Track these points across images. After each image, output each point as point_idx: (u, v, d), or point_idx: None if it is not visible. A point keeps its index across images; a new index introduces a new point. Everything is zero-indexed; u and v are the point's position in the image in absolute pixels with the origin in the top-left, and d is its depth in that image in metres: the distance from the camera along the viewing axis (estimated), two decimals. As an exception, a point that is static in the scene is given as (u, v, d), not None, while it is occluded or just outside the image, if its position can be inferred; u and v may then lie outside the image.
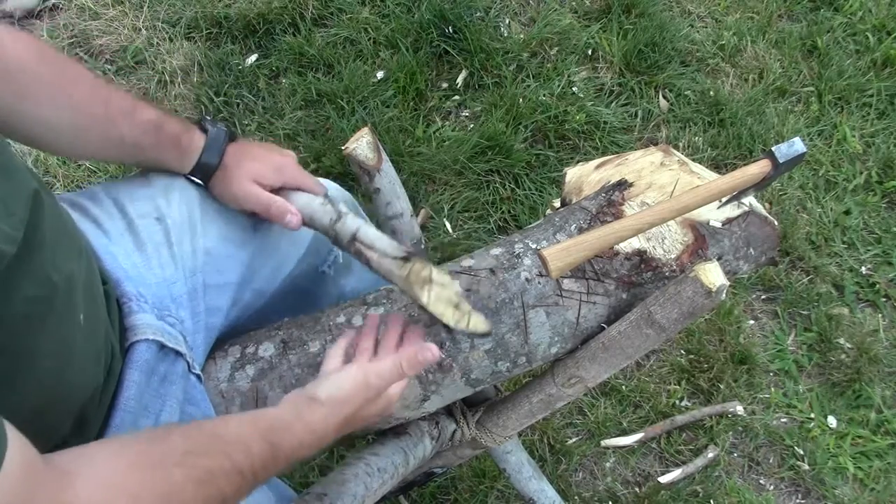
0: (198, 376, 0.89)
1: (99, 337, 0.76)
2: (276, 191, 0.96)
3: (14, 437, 0.53)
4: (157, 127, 0.90)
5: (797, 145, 0.84)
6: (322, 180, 1.04)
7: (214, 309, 0.94)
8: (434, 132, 2.00)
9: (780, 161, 0.84)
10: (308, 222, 0.97)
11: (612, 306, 0.97)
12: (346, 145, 0.99)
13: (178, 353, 0.86)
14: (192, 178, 0.97)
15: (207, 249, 0.94)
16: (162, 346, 0.84)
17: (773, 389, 1.77)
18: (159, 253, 0.91)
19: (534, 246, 0.99)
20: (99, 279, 0.80)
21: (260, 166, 0.95)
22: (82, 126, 0.86)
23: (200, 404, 0.88)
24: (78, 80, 0.85)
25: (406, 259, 0.90)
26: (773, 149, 0.84)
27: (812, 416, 1.74)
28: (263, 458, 0.70)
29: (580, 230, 0.99)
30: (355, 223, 0.95)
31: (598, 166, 1.11)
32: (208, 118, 0.96)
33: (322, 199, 0.97)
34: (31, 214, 0.64)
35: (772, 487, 1.68)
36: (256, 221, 1.00)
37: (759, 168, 0.85)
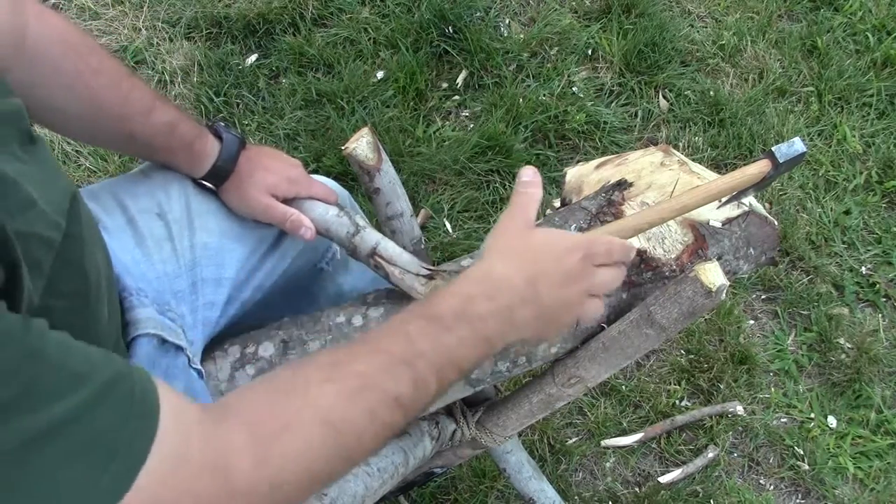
0: (198, 371, 0.89)
1: (117, 329, 0.77)
2: (289, 201, 0.97)
3: (165, 390, 0.54)
4: (170, 130, 0.90)
5: (797, 145, 0.84)
6: (318, 177, 1.05)
7: (211, 303, 0.94)
8: (434, 132, 2.00)
9: (780, 161, 0.83)
10: (323, 233, 0.98)
11: (612, 306, 0.97)
12: (346, 145, 0.99)
13: (178, 348, 0.86)
14: (203, 183, 0.98)
15: (206, 244, 0.94)
16: (163, 341, 0.84)
17: (773, 389, 1.77)
18: (161, 248, 0.91)
19: (534, 246, 0.98)
20: (113, 271, 0.81)
21: (274, 178, 0.96)
22: (96, 119, 0.86)
23: (202, 400, 0.88)
24: (99, 73, 0.84)
25: (429, 277, 0.92)
26: (772, 149, 0.84)
27: (812, 416, 1.74)
28: (422, 331, 0.65)
29: (580, 230, 0.99)
30: (374, 237, 0.96)
31: (598, 166, 1.11)
32: (222, 124, 0.97)
33: (337, 209, 0.99)
34: (70, 206, 0.65)
35: (772, 487, 1.68)
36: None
37: (758, 168, 0.85)
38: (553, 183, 1.95)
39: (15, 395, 0.45)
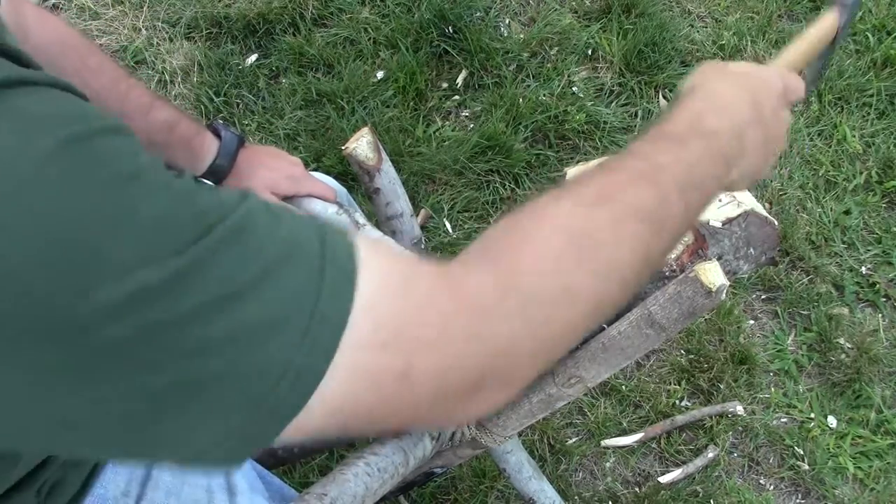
0: None
1: None
2: (289, 199, 0.98)
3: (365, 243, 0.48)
4: (170, 127, 0.91)
5: None
6: (317, 174, 1.05)
7: None
8: (434, 132, 2.00)
9: (849, 2, 0.84)
10: None
11: (612, 306, 0.97)
12: (346, 145, 0.99)
13: None
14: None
15: None
16: None
17: (773, 389, 1.77)
18: None
19: (534, 246, 0.98)
20: None
21: (274, 176, 0.97)
22: None
23: None
24: (99, 72, 0.86)
25: None
26: None
27: (812, 416, 1.74)
28: (657, 147, 0.60)
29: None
30: (374, 235, 0.97)
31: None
32: (221, 123, 0.98)
33: (337, 207, 0.99)
34: None
35: (772, 487, 1.68)
36: None
37: (829, 21, 0.84)
38: (553, 183, 1.95)
39: (209, 224, 0.41)
